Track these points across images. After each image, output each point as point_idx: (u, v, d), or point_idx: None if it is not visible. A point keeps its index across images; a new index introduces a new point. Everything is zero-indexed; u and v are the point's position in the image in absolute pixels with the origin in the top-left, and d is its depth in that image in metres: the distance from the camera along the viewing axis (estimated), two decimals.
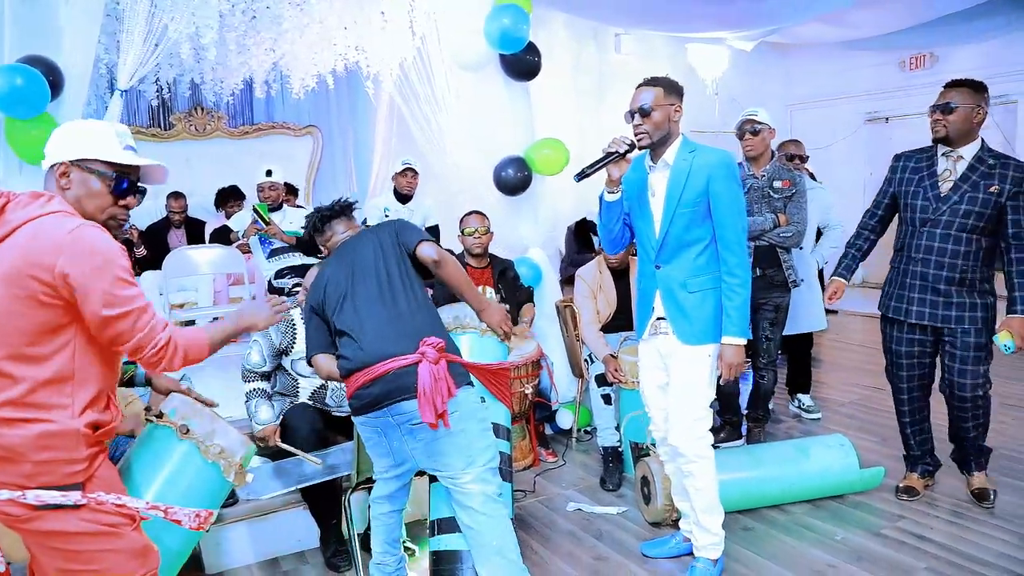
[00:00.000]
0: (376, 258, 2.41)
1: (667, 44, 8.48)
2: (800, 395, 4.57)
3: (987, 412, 3.14)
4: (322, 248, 2.65)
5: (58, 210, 1.66)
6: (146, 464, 1.91)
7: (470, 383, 2.37)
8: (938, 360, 3.19)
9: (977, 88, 2.97)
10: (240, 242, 4.93)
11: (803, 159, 4.32)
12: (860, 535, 3.03)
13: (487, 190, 4.73)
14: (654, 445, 3.32)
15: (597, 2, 6.15)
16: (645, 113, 2.54)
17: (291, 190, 5.76)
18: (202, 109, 6.15)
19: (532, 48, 4.42)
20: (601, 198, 2.66)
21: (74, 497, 1.63)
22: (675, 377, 2.66)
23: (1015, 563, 2.75)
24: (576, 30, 7.65)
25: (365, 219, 5.18)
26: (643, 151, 2.66)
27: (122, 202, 1.79)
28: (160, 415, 1.94)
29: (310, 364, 2.48)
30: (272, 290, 4.62)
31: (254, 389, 3.04)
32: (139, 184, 1.84)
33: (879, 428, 4.21)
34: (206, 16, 3.83)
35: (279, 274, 4.72)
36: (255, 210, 4.75)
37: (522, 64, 4.41)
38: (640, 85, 2.61)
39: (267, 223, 4.70)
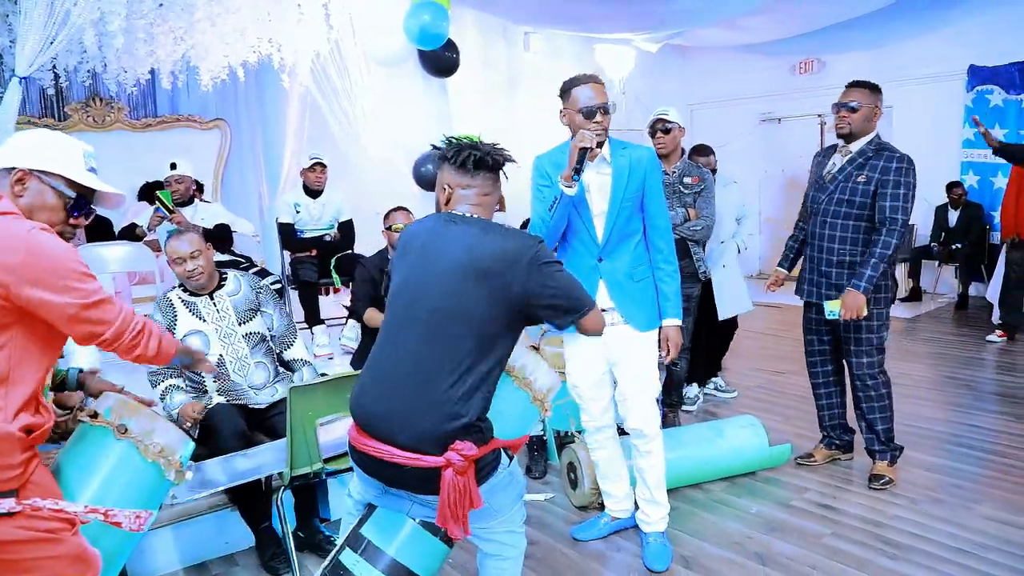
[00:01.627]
0: (460, 288, 1.84)
1: (575, 43, 8.66)
2: (713, 378, 4.81)
3: (886, 396, 3.40)
4: (440, 197, 2.04)
5: (9, 211, 1.62)
6: (81, 466, 1.84)
7: (498, 462, 1.94)
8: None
9: (875, 89, 3.25)
10: (149, 238, 4.74)
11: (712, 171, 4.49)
12: (772, 507, 3.25)
13: (405, 185, 4.76)
14: (579, 432, 3.44)
15: (509, 1, 6.24)
16: (608, 111, 2.63)
17: (197, 186, 5.57)
18: (100, 99, 5.84)
19: (451, 45, 4.47)
20: (560, 196, 2.60)
21: (8, 504, 1.57)
22: (632, 364, 2.76)
23: (908, 523, 3.03)
24: (486, 28, 7.72)
25: (277, 216, 5.09)
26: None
27: (73, 221, 1.76)
28: (95, 415, 1.87)
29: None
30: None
31: (168, 387, 2.96)
32: (92, 207, 1.81)
33: (784, 409, 4.50)
34: (112, 2, 3.68)
35: None
36: (159, 198, 4.58)
37: (441, 61, 4.47)
38: (599, 83, 2.67)
39: (171, 211, 4.54)
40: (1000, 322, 6.17)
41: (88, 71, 4.99)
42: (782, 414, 4.40)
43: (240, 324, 3.07)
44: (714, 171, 4.51)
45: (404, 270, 1.96)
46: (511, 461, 2.00)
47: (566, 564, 2.87)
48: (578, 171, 2.52)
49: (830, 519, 3.11)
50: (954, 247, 7.43)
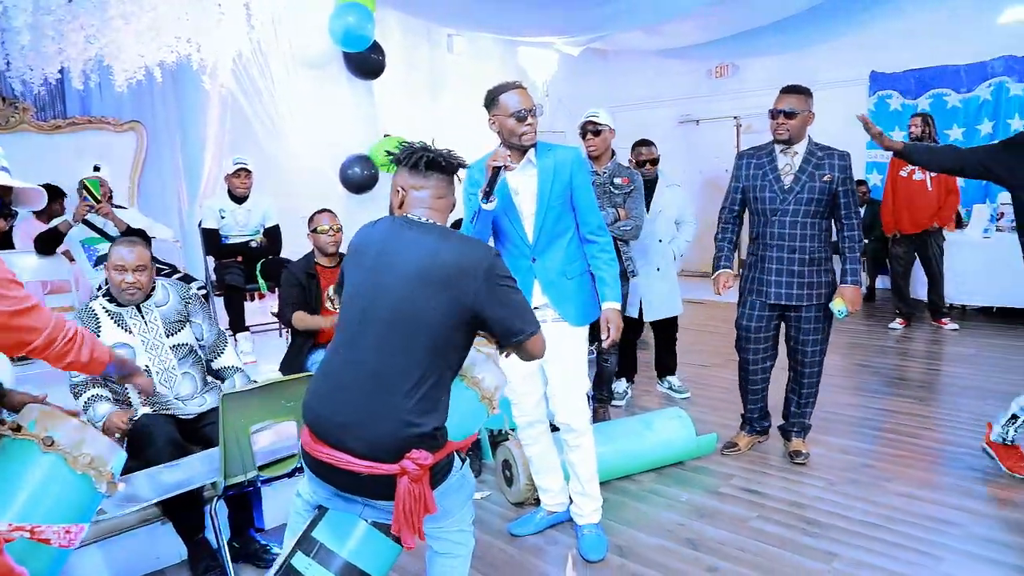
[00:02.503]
0: (417, 294, 1.83)
1: (498, 46, 8.73)
2: (668, 377, 4.89)
3: (818, 384, 3.62)
4: (394, 199, 2.03)
5: None
6: (5, 481, 1.76)
7: (451, 465, 1.96)
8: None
9: (808, 94, 3.38)
10: (62, 248, 4.53)
11: (654, 162, 4.56)
12: (701, 495, 3.37)
13: (332, 188, 4.71)
14: (513, 430, 3.49)
15: (434, 3, 6.25)
16: (535, 114, 2.69)
17: None
18: (3, 99, 5.55)
19: (376, 47, 4.45)
20: (480, 210, 2.63)
21: None
22: (563, 360, 2.82)
23: (826, 503, 3.21)
24: (409, 29, 7.70)
25: (200, 220, 4.95)
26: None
27: None
28: (18, 428, 1.80)
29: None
30: None
31: (92, 396, 2.83)
32: (11, 207, 1.75)
33: (708, 400, 4.67)
34: None
35: None
36: (85, 187, 4.40)
37: (367, 63, 4.45)
38: (523, 88, 2.71)
39: (98, 201, 4.37)
40: (898, 310, 6.59)
41: None
42: (707, 405, 4.56)
43: (168, 336, 2.97)
44: (655, 161, 4.56)
45: (359, 274, 1.95)
46: (463, 463, 2.02)
47: (504, 560, 2.91)
48: (488, 192, 2.56)
49: (755, 503, 3.26)
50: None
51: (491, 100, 2.71)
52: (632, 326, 4.66)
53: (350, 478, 1.82)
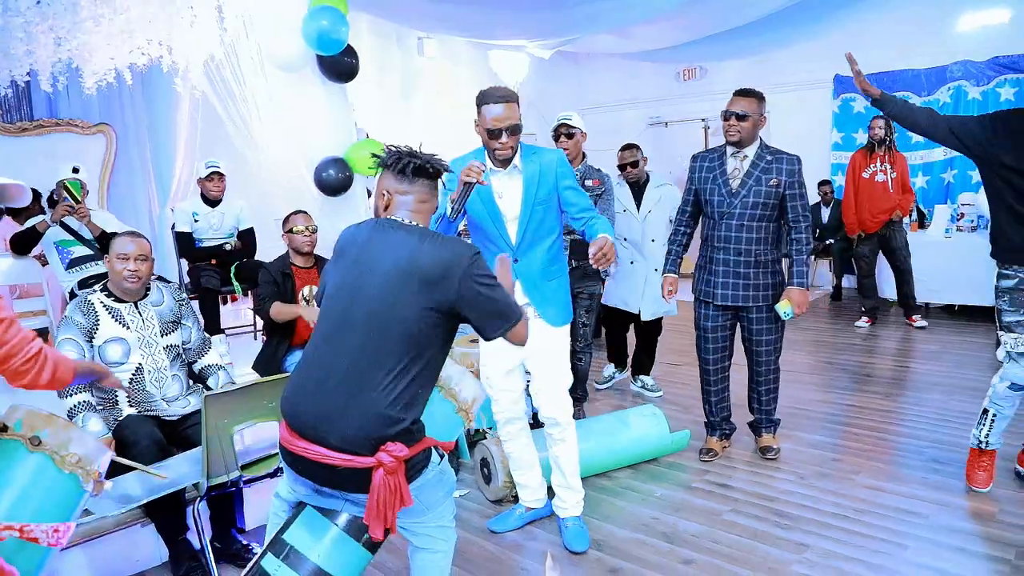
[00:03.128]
0: (397, 293, 1.88)
1: (469, 49, 8.78)
2: (642, 376, 4.98)
3: (777, 380, 3.71)
4: (379, 203, 2.08)
5: None
6: None
7: (428, 460, 1.99)
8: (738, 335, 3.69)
9: (760, 98, 3.45)
10: (36, 252, 4.48)
11: (634, 164, 4.62)
12: (675, 490, 3.45)
13: (306, 190, 4.72)
14: (491, 428, 3.54)
15: (404, 6, 6.27)
16: (515, 131, 2.71)
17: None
18: None
19: (350, 50, 4.48)
20: (444, 216, 2.65)
21: None
22: (546, 355, 2.89)
23: (797, 496, 3.30)
24: (380, 32, 7.72)
25: (173, 224, 4.93)
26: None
27: None
28: (3, 428, 1.80)
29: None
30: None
31: (78, 403, 2.82)
32: None
33: (680, 398, 4.76)
34: None
35: (84, 283, 4.37)
36: (66, 188, 4.37)
37: (340, 66, 4.46)
38: (510, 102, 2.70)
39: (78, 201, 4.34)
40: (863, 309, 6.76)
41: None
42: (680, 403, 4.65)
43: (162, 335, 3.00)
44: (636, 164, 4.63)
45: (340, 274, 1.99)
46: (441, 459, 2.05)
47: (484, 556, 2.96)
48: (458, 209, 2.58)
49: (729, 497, 3.34)
50: (828, 242, 8.01)
51: (477, 104, 2.74)
52: (627, 319, 4.84)
53: (327, 472, 1.86)
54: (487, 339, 2.02)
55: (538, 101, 9.38)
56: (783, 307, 3.41)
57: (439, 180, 2.08)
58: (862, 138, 7.94)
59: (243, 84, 4.50)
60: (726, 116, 3.43)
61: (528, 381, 3.07)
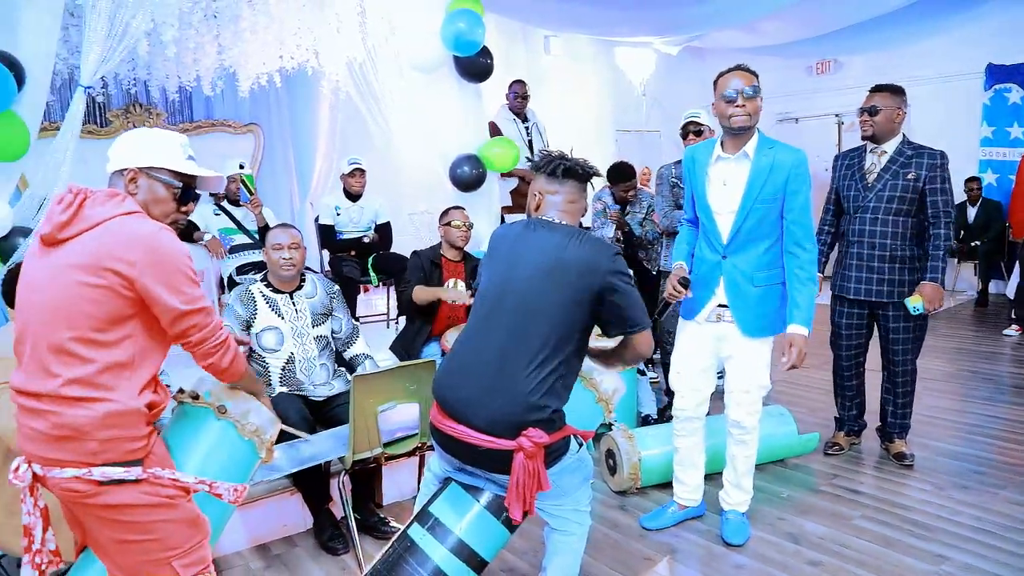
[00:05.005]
0: (543, 288, 2.00)
1: (595, 46, 8.82)
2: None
3: (914, 384, 3.60)
4: (530, 203, 2.21)
5: (135, 211, 1.80)
6: (184, 442, 2.01)
7: (567, 447, 2.09)
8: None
9: (897, 92, 3.40)
10: (206, 239, 4.92)
11: None
12: (801, 492, 3.41)
13: (440, 187, 4.92)
14: (615, 422, 3.60)
15: (534, 6, 6.40)
16: (750, 96, 2.66)
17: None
18: (140, 106, 6.05)
19: (485, 51, 4.63)
20: None
21: (136, 472, 1.75)
22: (745, 359, 2.83)
23: (934, 507, 3.18)
24: (506, 31, 7.89)
25: (317, 217, 5.27)
26: (713, 139, 2.88)
27: (183, 208, 1.93)
28: (196, 396, 2.05)
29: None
30: (233, 285, 4.65)
31: None
32: (196, 192, 1.97)
33: (807, 401, 4.65)
34: (165, 14, 3.86)
35: (241, 270, 4.77)
36: (242, 180, 4.80)
37: (476, 66, 4.62)
38: (744, 71, 2.72)
39: (251, 193, 4.77)
40: (1015, 316, 6.31)
41: (133, 79, 5.21)
42: (807, 406, 4.54)
43: (314, 326, 3.23)
44: None
45: (492, 270, 2.16)
46: (580, 447, 2.15)
47: (608, 543, 3.02)
48: (663, 313, 2.94)
49: (858, 502, 3.26)
50: (973, 244, 7.52)
51: (714, 85, 2.79)
52: None
53: (471, 451, 1.99)
54: (610, 336, 2.12)
55: (663, 98, 9.31)
56: (913, 301, 3.34)
57: (588, 182, 2.19)
58: (1017, 132, 7.40)
59: (383, 85, 4.75)
60: (859, 112, 3.45)
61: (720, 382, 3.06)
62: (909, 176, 3.35)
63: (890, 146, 3.43)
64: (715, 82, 2.80)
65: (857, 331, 3.61)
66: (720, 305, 2.84)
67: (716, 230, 2.79)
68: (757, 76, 2.73)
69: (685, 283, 2.84)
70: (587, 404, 2.44)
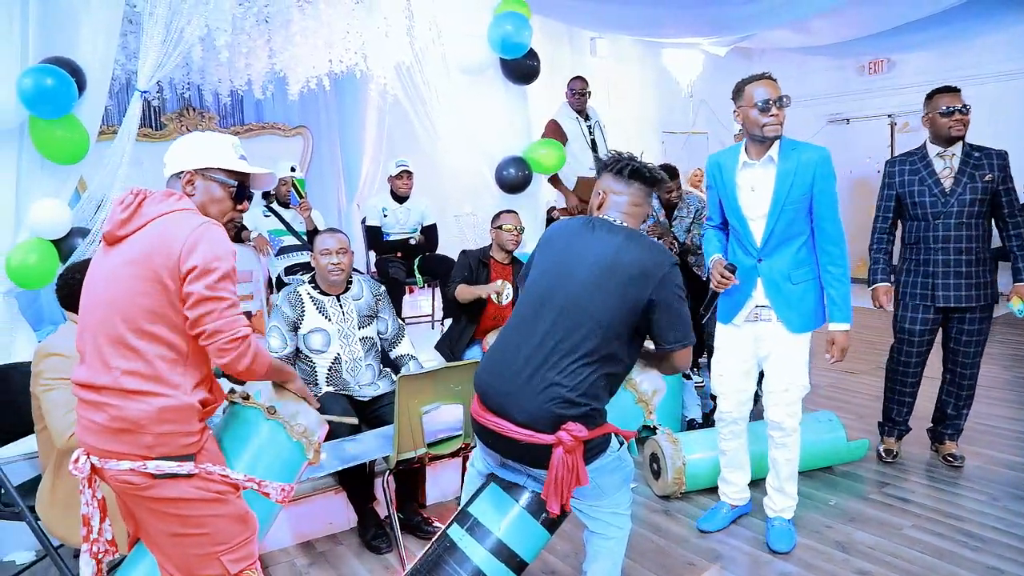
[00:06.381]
0: (596, 286, 1.99)
1: (641, 47, 8.77)
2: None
3: (975, 386, 3.57)
4: (593, 201, 2.21)
5: (188, 208, 1.86)
6: (235, 441, 2.06)
7: (607, 444, 2.06)
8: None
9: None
10: (254, 235, 5.03)
11: None
12: (851, 500, 3.34)
13: (485, 189, 4.95)
14: (660, 426, 3.58)
15: (581, 8, 6.39)
16: (784, 104, 2.70)
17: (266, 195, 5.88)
18: (193, 109, 6.22)
19: (531, 53, 4.64)
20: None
21: (188, 467, 1.80)
22: (785, 359, 2.84)
23: (990, 518, 3.09)
24: (551, 33, 7.89)
25: (364, 218, 5.34)
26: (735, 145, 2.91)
27: (239, 206, 1.99)
28: (247, 397, 2.09)
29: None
30: (281, 286, 4.74)
31: None
32: (250, 190, 2.02)
33: (855, 407, 4.55)
34: (219, 19, 3.96)
35: (289, 270, 4.86)
36: (293, 184, 4.92)
37: (522, 68, 4.63)
38: (772, 80, 2.75)
39: (301, 196, 4.88)
40: None
41: (187, 83, 5.36)
42: (855, 412, 4.44)
43: (360, 328, 3.28)
44: None
45: (544, 263, 2.13)
46: (621, 446, 2.13)
47: (652, 548, 3.01)
48: (704, 314, 2.87)
49: (908, 511, 3.19)
50: None
51: (738, 91, 2.80)
52: None
53: (511, 445, 1.98)
54: (660, 346, 2.09)
55: (710, 99, 9.21)
56: (1016, 303, 3.32)
57: (654, 187, 2.16)
58: None
59: (430, 88, 4.80)
60: (951, 112, 3.33)
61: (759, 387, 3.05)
62: (986, 178, 3.31)
63: (957, 148, 3.38)
64: (739, 89, 2.81)
65: (930, 337, 3.56)
66: (758, 306, 2.86)
67: (749, 234, 2.83)
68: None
69: (732, 268, 2.83)
70: (627, 405, 2.42)
